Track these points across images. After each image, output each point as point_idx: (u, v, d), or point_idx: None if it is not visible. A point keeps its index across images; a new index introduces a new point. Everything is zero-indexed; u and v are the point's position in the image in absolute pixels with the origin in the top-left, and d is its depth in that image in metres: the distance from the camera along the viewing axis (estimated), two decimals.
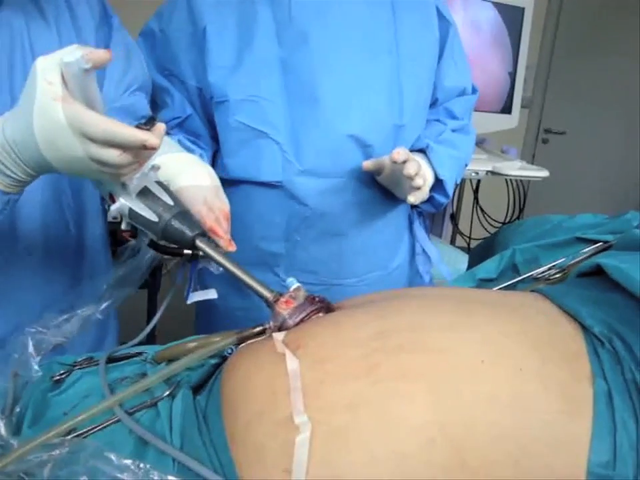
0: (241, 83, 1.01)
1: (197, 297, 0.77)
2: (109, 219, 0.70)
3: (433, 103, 1.17)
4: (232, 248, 0.73)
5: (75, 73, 0.57)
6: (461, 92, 1.18)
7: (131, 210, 0.67)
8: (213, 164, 1.10)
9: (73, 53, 0.56)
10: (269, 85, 1.01)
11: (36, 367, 0.64)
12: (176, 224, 0.66)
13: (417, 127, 1.12)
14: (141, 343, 0.77)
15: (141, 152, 0.61)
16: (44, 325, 0.69)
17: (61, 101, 0.56)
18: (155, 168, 0.70)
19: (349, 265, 1.12)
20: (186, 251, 0.69)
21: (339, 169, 1.04)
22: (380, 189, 1.09)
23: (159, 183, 0.69)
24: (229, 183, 1.06)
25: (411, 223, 1.21)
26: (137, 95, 0.98)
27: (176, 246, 0.69)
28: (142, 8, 1.19)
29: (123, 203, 0.67)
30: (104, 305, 0.74)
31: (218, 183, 0.80)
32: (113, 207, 0.68)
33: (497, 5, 2.04)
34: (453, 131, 1.16)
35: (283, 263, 1.10)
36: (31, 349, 0.64)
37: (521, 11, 2.09)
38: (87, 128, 0.57)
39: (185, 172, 0.77)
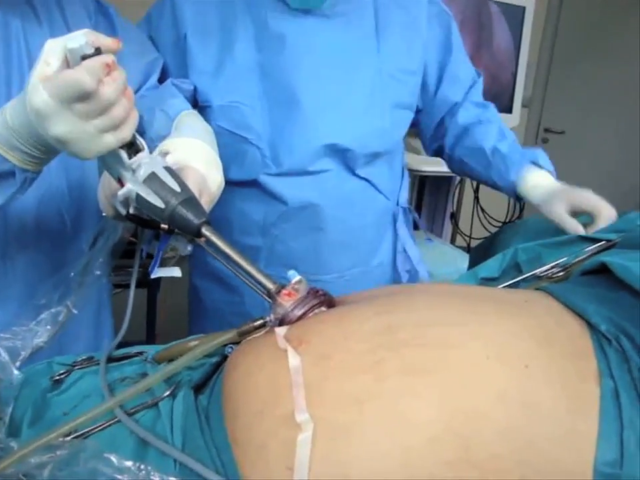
0: (222, 89, 1.02)
1: (161, 272, 0.77)
2: (117, 203, 0.70)
3: (447, 97, 1.17)
4: None
5: (79, 58, 0.57)
6: (472, 79, 1.20)
7: (138, 195, 0.67)
8: None
9: (77, 39, 0.56)
10: (248, 90, 1.02)
11: (16, 372, 0.63)
12: (182, 211, 0.66)
13: (398, 128, 1.14)
14: (141, 343, 0.76)
15: (116, 77, 0.60)
16: (14, 332, 0.68)
17: (42, 81, 0.57)
18: (164, 153, 0.70)
19: (328, 260, 1.13)
20: (163, 225, 0.69)
21: (317, 169, 1.06)
22: (359, 186, 1.10)
23: (167, 169, 0.68)
24: None
25: (394, 221, 1.21)
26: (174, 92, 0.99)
27: (156, 218, 0.68)
28: (138, 7, 1.19)
29: (130, 188, 0.67)
30: (74, 299, 0.74)
31: (220, 178, 0.79)
32: (120, 192, 0.68)
33: (498, 3, 2.04)
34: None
35: (262, 256, 1.12)
36: (4, 356, 0.63)
37: (522, 9, 2.09)
38: (61, 89, 0.57)
39: (194, 161, 0.76)
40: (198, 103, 1.06)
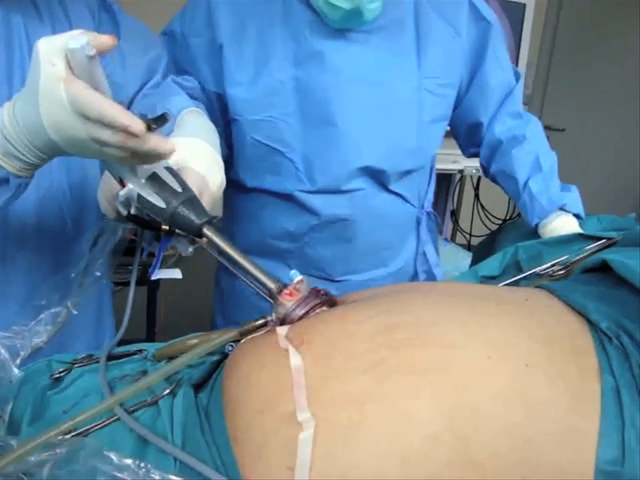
0: (257, 102, 1.02)
1: (161, 274, 0.77)
2: (118, 204, 0.69)
3: (477, 104, 1.16)
4: None
5: (80, 59, 0.57)
6: (507, 86, 1.17)
7: (139, 195, 0.66)
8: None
9: (78, 39, 0.56)
10: (283, 105, 1.02)
11: (16, 370, 0.63)
12: (183, 211, 0.66)
13: (434, 144, 1.14)
14: (141, 340, 0.76)
15: (149, 156, 0.60)
16: (14, 332, 0.68)
17: (63, 82, 0.56)
18: None
19: (355, 265, 1.15)
20: (164, 226, 0.69)
21: (350, 187, 1.06)
22: (389, 199, 1.11)
23: (169, 169, 0.68)
24: (242, 189, 1.11)
25: (418, 224, 1.22)
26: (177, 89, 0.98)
27: (156, 218, 0.68)
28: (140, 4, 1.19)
29: (131, 188, 0.66)
30: (75, 299, 0.74)
31: (221, 179, 0.79)
32: (122, 192, 0.67)
33: (499, 0, 2.03)
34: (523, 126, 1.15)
35: (293, 258, 1.14)
36: (5, 354, 0.63)
37: (522, 7, 2.09)
38: (84, 106, 0.56)
39: (194, 161, 0.76)
40: (224, 106, 1.06)
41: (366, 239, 1.12)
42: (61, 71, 0.56)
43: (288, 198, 1.07)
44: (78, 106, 0.56)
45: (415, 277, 1.24)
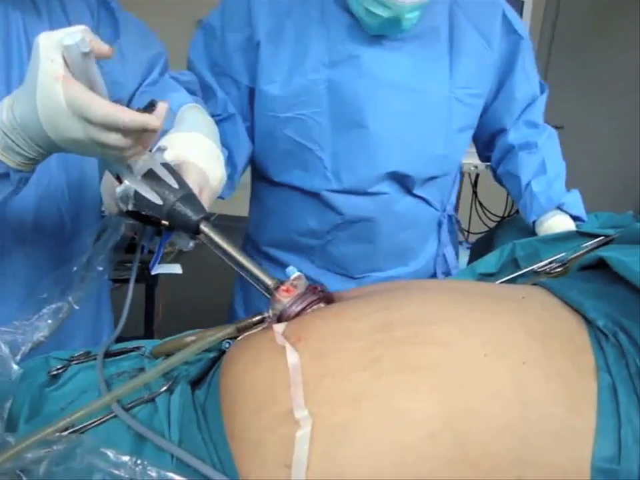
0: (290, 100, 1.03)
1: (161, 269, 0.77)
2: (118, 200, 0.70)
3: (501, 116, 1.18)
4: None
5: (75, 56, 0.56)
6: (531, 98, 1.19)
7: (136, 192, 0.66)
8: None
9: (73, 36, 0.55)
10: (315, 104, 1.03)
11: (15, 367, 0.63)
12: (180, 208, 0.66)
13: (460, 152, 1.15)
14: (139, 337, 0.76)
15: (143, 135, 0.60)
16: (14, 327, 0.68)
17: (61, 81, 0.56)
18: (162, 149, 0.70)
19: (376, 264, 1.16)
20: (163, 221, 0.69)
21: (376, 190, 1.08)
22: (413, 203, 1.12)
23: (166, 165, 0.68)
24: (270, 183, 1.13)
25: (439, 227, 1.23)
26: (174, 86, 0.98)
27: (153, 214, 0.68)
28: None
29: (127, 185, 0.66)
30: (76, 294, 0.74)
31: (222, 173, 0.79)
32: (118, 189, 0.67)
33: None
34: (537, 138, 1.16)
35: (316, 254, 1.16)
36: (5, 350, 0.63)
37: (521, 3, 2.09)
38: (86, 110, 0.56)
39: (195, 156, 0.76)
40: (250, 105, 1.07)
41: (388, 240, 1.13)
42: (59, 69, 0.56)
43: (313, 195, 1.09)
44: (77, 109, 0.56)
45: (433, 277, 1.25)
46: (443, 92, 1.06)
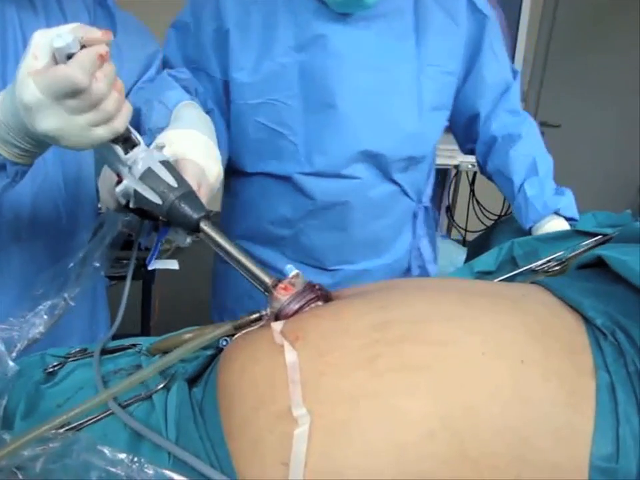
0: (260, 86, 1.04)
1: (158, 264, 0.77)
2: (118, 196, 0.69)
3: (475, 101, 1.16)
4: None
5: (65, 57, 0.56)
6: (504, 82, 1.18)
7: (135, 191, 0.66)
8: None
9: (64, 37, 0.55)
10: (286, 88, 1.03)
11: (11, 363, 0.62)
12: (180, 206, 0.66)
13: (435, 131, 1.14)
14: (136, 335, 0.76)
15: (107, 71, 0.59)
16: (10, 323, 0.68)
17: (33, 75, 0.56)
18: (160, 147, 0.69)
19: (349, 256, 1.15)
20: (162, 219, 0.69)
21: (350, 173, 1.07)
22: (389, 190, 1.12)
23: (164, 163, 0.67)
24: (244, 175, 1.12)
25: (414, 218, 1.22)
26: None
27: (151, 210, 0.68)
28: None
29: (127, 185, 0.66)
30: (72, 290, 0.74)
31: (219, 170, 0.79)
32: (118, 189, 0.67)
33: None
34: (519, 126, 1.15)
35: (288, 245, 1.15)
36: (1, 347, 0.62)
37: (519, 2, 2.09)
38: (63, 80, 0.56)
39: (192, 152, 0.76)
40: (226, 99, 1.07)
41: (360, 229, 1.12)
42: (37, 65, 0.56)
43: (286, 180, 1.08)
44: (57, 90, 0.56)
45: (408, 271, 1.24)
46: (411, 69, 1.06)
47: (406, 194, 1.15)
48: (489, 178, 1.21)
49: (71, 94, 0.57)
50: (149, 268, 0.76)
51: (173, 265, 0.80)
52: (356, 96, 1.03)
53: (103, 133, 0.61)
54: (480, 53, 1.13)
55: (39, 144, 0.64)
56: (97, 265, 0.80)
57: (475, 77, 1.15)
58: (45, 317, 0.72)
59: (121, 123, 0.63)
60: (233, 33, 1.03)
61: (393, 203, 1.14)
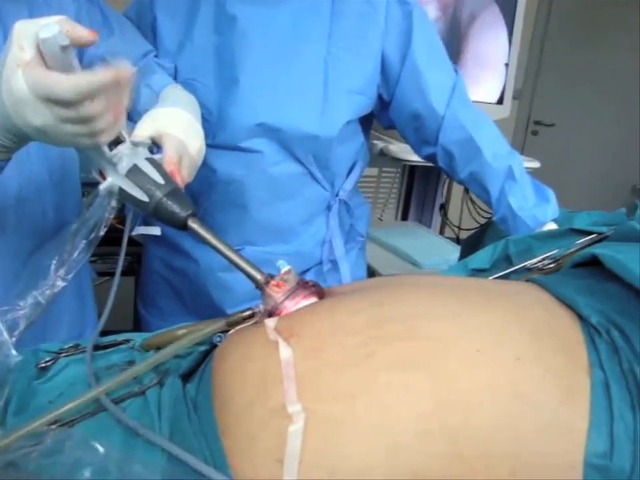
0: (182, 67, 1.08)
1: (142, 230, 0.79)
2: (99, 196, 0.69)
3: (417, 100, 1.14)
4: None
5: (53, 48, 0.54)
6: (450, 80, 1.14)
7: (120, 189, 0.65)
8: None
9: (50, 28, 0.53)
10: (203, 69, 1.07)
11: (14, 352, 0.61)
12: (167, 204, 0.65)
13: (344, 113, 1.12)
14: (128, 331, 0.75)
15: (111, 95, 0.58)
16: (11, 304, 0.67)
17: (22, 67, 0.54)
18: (145, 144, 0.69)
19: (251, 237, 1.15)
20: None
21: (249, 146, 1.08)
22: (294, 171, 1.11)
23: (150, 160, 0.67)
24: None
25: (328, 209, 1.20)
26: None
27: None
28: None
29: (111, 182, 0.65)
30: (61, 271, 0.73)
31: (201, 144, 0.82)
32: (102, 186, 0.66)
33: None
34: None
35: None
36: (5, 335, 0.61)
37: (514, 1, 2.09)
38: (52, 90, 0.54)
39: (173, 127, 0.78)
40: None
41: (262, 209, 1.12)
42: (24, 56, 0.54)
43: None
44: (41, 91, 0.54)
45: (319, 264, 1.23)
46: (318, 49, 1.07)
47: (316, 180, 1.14)
48: (461, 183, 1.19)
49: (57, 103, 0.55)
50: (133, 234, 0.76)
51: (156, 231, 0.80)
52: (257, 70, 1.06)
53: (86, 142, 0.60)
54: (410, 45, 1.11)
55: (20, 140, 0.62)
56: (93, 235, 0.78)
57: (409, 69, 1.12)
58: (39, 298, 0.71)
59: (107, 138, 0.61)
60: (160, 19, 1.07)
61: (300, 186, 1.13)
